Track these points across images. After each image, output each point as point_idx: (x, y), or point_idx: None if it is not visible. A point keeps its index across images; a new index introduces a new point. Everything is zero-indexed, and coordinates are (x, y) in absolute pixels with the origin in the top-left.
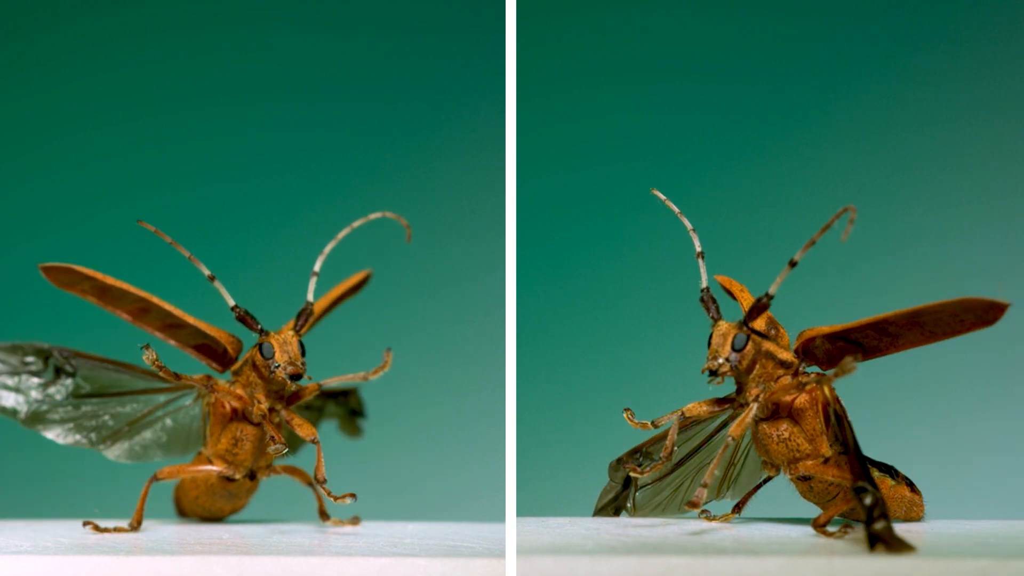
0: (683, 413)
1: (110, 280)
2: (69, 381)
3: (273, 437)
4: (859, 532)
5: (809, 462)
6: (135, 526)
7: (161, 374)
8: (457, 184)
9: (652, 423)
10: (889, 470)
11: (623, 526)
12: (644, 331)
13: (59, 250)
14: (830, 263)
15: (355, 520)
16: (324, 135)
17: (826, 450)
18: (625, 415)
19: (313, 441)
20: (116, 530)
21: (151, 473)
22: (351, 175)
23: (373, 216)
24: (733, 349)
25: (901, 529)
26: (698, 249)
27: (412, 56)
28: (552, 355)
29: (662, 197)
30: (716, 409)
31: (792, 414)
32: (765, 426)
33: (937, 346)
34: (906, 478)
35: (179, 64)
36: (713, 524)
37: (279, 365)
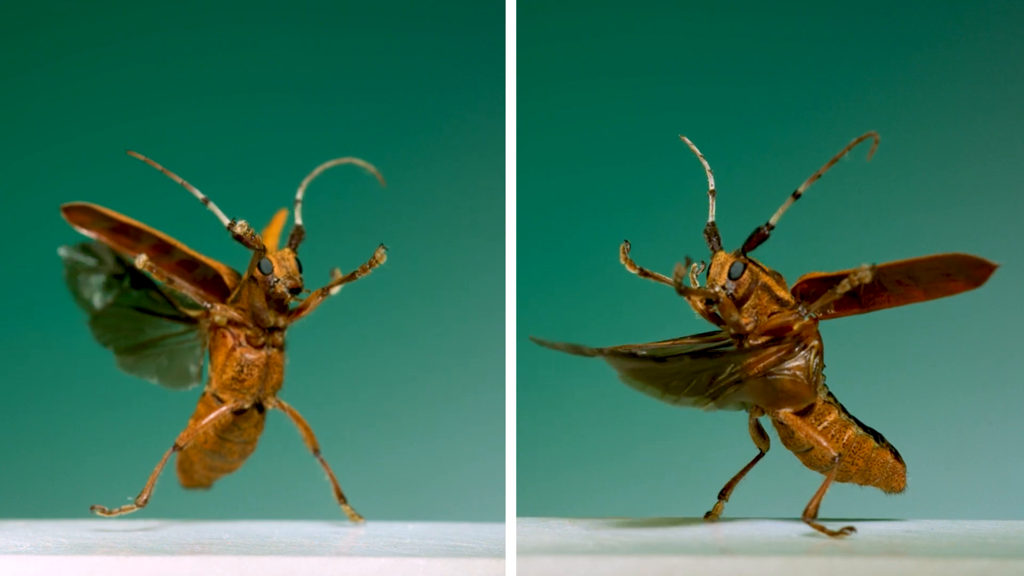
0: (684, 286)
1: (129, 220)
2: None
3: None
4: (861, 532)
5: (789, 408)
6: (141, 504)
7: (153, 275)
8: (457, 184)
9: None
10: (874, 434)
11: (623, 526)
12: (644, 331)
13: (55, 250)
14: (830, 264)
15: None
16: (324, 134)
17: (810, 396)
18: (686, 269)
19: (324, 293)
20: (122, 511)
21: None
22: (351, 175)
23: (343, 160)
24: (730, 277)
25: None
26: (711, 187)
27: (412, 56)
28: (552, 355)
29: (688, 142)
30: (707, 315)
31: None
32: (752, 361)
33: (938, 347)
34: (891, 446)
35: (179, 64)
36: (713, 524)
37: (279, 280)
